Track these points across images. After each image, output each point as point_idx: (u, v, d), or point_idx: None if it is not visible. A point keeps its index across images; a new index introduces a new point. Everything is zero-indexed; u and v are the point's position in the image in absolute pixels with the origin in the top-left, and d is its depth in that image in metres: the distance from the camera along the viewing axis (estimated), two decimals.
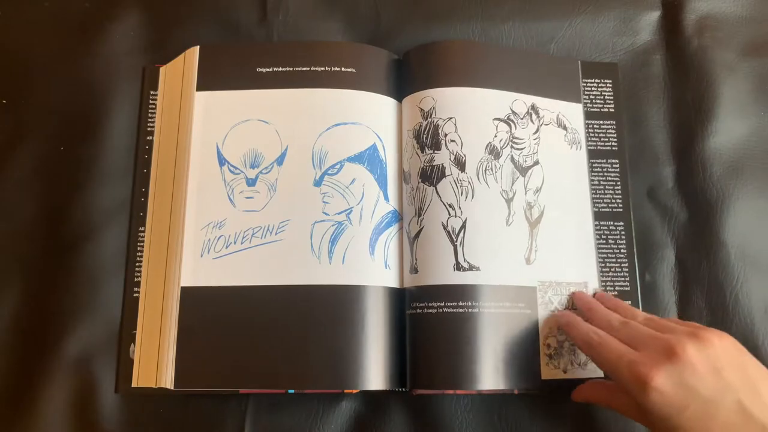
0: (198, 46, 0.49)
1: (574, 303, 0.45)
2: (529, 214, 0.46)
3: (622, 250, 0.48)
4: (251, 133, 0.47)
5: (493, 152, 0.46)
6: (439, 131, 0.46)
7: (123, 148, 0.50)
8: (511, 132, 0.47)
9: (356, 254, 0.45)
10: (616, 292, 0.47)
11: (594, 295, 0.46)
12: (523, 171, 0.47)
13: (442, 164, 0.46)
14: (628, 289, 0.47)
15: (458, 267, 0.44)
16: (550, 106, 0.50)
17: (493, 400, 0.46)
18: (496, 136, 0.47)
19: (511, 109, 0.48)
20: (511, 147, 0.47)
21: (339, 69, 0.48)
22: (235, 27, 0.53)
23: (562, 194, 0.48)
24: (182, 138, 0.48)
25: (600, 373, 0.44)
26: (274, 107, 0.48)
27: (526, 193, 0.47)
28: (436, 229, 0.45)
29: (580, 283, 0.46)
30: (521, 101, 0.48)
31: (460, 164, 0.46)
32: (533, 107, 0.49)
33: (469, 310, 0.43)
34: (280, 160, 0.47)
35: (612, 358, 0.37)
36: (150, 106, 0.50)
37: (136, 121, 0.50)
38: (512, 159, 0.47)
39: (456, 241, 0.44)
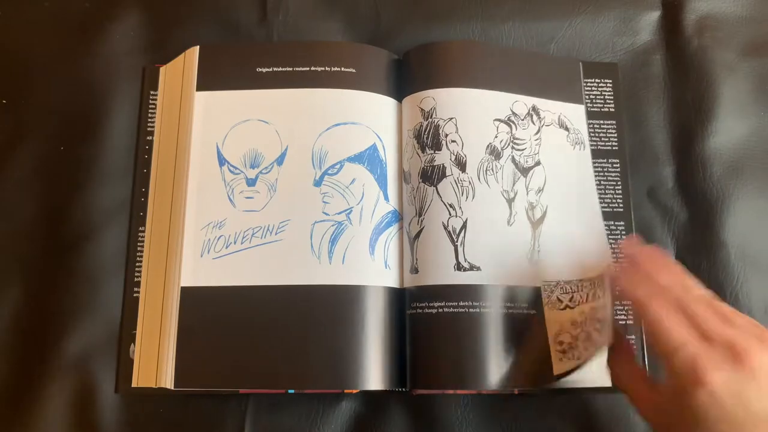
0: (198, 46, 0.49)
1: (622, 252, 0.40)
2: (531, 214, 0.46)
3: None
4: (251, 133, 0.47)
5: (494, 153, 0.46)
6: (440, 131, 0.46)
7: (123, 148, 0.49)
8: (511, 133, 0.47)
9: (356, 254, 0.45)
10: (617, 292, 0.47)
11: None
12: (524, 171, 0.47)
13: (443, 164, 0.46)
14: None
15: (459, 267, 0.44)
16: (552, 108, 0.50)
17: (493, 400, 0.46)
18: (496, 137, 0.47)
19: (512, 110, 0.48)
20: (512, 148, 0.47)
21: (339, 69, 0.48)
22: (235, 27, 0.53)
23: (566, 194, 0.48)
24: (182, 138, 0.48)
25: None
26: (274, 107, 0.48)
27: (527, 194, 0.47)
28: (437, 229, 0.45)
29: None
30: (521, 102, 0.48)
31: (461, 164, 0.46)
32: (534, 109, 0.49)
33: (470, 310, 0.43)
34: (280, 160, 0.47)
35: (673, 343, 0.33)
36: (150, 106, 0.50)
37: (136, 121, 0.50)
38: (513, 159, 0.47)
39: (456, 241, 0.44)
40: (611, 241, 0.48)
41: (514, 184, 0.46)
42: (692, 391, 0.31)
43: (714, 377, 0.31)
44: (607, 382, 0.43)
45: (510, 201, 0.46)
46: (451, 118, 0.46)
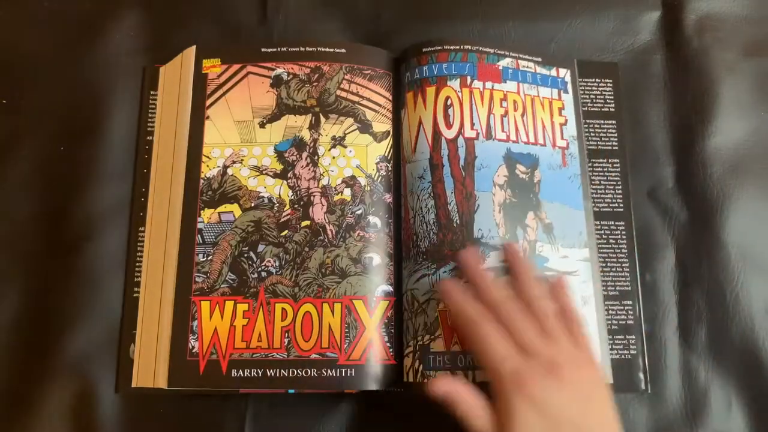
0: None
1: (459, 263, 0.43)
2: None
3: (622, 250, 0.48)
4: None
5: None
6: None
7: (123, 148, 0.49)
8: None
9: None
10: (617, 292, 0.47)
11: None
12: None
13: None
14: (629, 289, 0.47)
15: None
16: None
17: None
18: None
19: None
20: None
21: None
22: (235, 27, 0.53)
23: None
24: (182, 138, 0.48)
25: None
26: None
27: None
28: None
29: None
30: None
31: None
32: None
33: None
34: None
35: (499, 356, 0.37)
36: (150, 106, 0.50)
37: (136, 121, 0.50)
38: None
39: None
40: (611, 241, 0.48)
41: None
42: (514, 396, 0.35)
43: (533, 384, 0.35)
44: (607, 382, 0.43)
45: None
46: None
